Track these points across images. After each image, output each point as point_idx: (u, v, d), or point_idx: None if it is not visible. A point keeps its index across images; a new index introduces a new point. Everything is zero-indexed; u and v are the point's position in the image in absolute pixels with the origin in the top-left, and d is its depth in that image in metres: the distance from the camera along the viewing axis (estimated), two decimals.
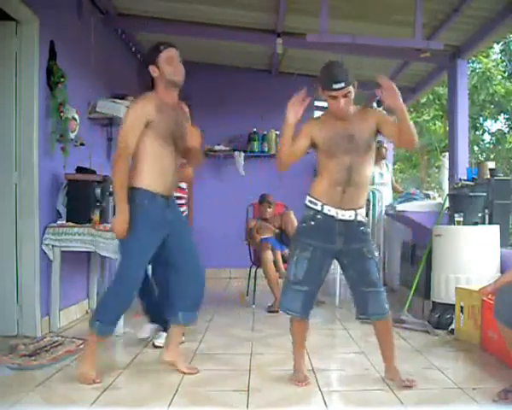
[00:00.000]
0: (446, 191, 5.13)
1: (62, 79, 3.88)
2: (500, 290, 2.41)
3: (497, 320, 2.44)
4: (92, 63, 4.69)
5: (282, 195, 5.75)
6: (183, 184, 4.13)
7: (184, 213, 4.11)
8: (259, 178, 6.76)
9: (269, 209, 5.16)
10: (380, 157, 5.88)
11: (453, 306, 3.75)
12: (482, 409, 2.40)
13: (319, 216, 2.66)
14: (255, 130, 6.95)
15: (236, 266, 6.67)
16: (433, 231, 4.14)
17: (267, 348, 3.51)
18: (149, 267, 3.36)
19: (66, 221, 3.91)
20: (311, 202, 2.70)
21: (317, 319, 4.10)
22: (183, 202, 4.12)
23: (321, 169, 2.72)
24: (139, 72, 6.54)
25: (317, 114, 7.03)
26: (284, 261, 4.97)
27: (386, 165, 6.35)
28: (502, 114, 12.41)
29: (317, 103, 6.64)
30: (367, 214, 4.47)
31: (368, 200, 4.95)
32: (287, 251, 4.99)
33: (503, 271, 3.83)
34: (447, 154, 5.61)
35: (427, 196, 5.38)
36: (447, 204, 4.39)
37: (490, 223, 4.12)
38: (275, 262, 4.88)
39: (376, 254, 2.75)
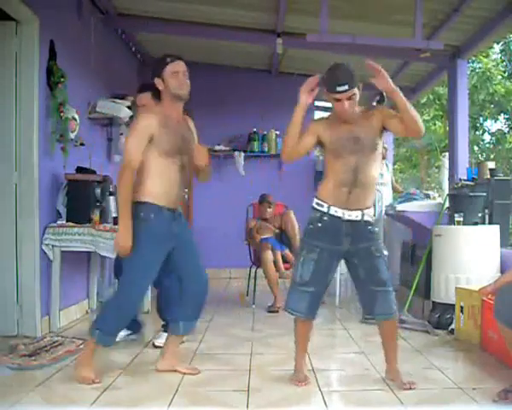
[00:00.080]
0: (446, 191, 5.13)
1: (62, 79, 3.88)
2: (500, 290, 2.41)
3: (497, 320, 2.44)
4: (92, 63, 4.70)
5: (282, 195, 5.75)
6: None
7: None
8: (259, 178, 6.77)
9: (269, 209, 5.16)
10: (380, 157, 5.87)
11: (453, 306, 3.75)
12: (482, 409, 2.39)
13: (326, 218, 2.66)
14: (255, 130, 6.95)
15: (236, 266, 6.67)
16: (433, 231, 4.15)
17: (267, 348, 3.51)
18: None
19: (66, 221, 3.91)
20: (317, 204, 2.69)
21: (317, 319, 4.07)
22: None
23: (327, 171, 2.72)
24: (139, 72, 6.56)
25: (317, 113, 7.08)
26: (284, 261, 4.98)
27: (386, 165, 6.34)
28: (502, 114, 12.40)
29: (317, 103, 6.65)
30: None
31: None
32: (287, 251, 5.01)
33: (503, 271, 3.83)
34: (447, 154, 5.60)
35: (427, 196, 5.38)
36: (447, 204, 4.39)
37: (490, 223, 4.12)
38: (275, 262, 4.88)
39: (385, 252, 2.74)
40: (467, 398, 2.50)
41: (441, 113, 12.68)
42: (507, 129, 12.63)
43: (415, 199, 5.07)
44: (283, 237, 5.06)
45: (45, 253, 3.80)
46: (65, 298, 4.04)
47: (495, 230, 3.98)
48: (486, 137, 13.02)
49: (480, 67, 11.70)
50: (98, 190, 4.02)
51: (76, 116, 4.09)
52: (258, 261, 5.04)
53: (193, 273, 2.86)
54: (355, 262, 2.71)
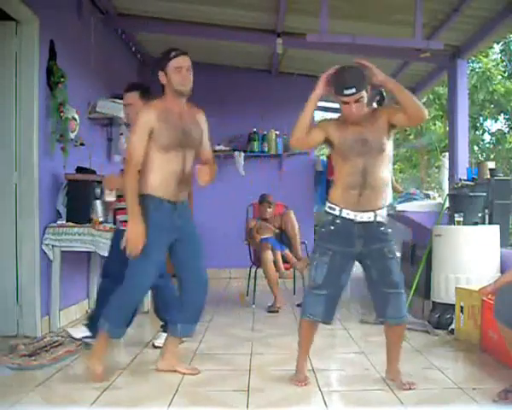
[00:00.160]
0: (446, 191, 5.12)
1: (62, 79, 3.89)
2: (500, 290, 2.41)
3: (497, 320, 2.44)
4: (92, 63, 4.70)
5: (282, 195, 5.75)
6: None
7: None
8: (259, 178, 6.77)
9: (269, 209, 5.16)
10: None
11: (453, 306, 3.75)
12: (482, 409, 2.40)
13: (338, 221, 2.66)
14: (255, 130, 6.94)
15: (236, 266, 6.68)
16: (433, 231, 4.15)
17: (267, 348, 3.51)
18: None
19: (66, 221, 3.91)
20: (330, 207, 2.70)
21: None
22: None
23: (337, 174, 2.73)
24: (139, 72, 6.56)
25: (317, 114, 7.07)
26: (284, 261, 4.98)
27: None
28: (502, 114, 12.39)
29: (318, 104, 6.65)
30: None
31: None
32: (287, 251, 5.01)
33: (503, 271, 3.83)
34: (447, 154, 5.60)
35: (427, 196, 5.37)
36: (447, 204, 4.39)
37: (490, 223, 4.12)
38: (275, 262, 4.88)
39: (398, 254, 2.74)
40: (467, 398, 2.51)
41: (441, 113, 12.66)
42: (507, 129, 12.61)
43: (415, 199, 5.07)
44: (283, 237, 5.06)
45: (45, 253, 3.81)
46: (65, 298, 4.04)
47: (495, 230, 3.98)
48: (486, 137, 13.01)
49: (479, 67, 11.68)
50: (98, 190, 4.02)
51: (76, 116, 4.09)
52: (258, 261, 5.04)
53: (193, 273, 2.86)
54: (368, 264, 2.71)
